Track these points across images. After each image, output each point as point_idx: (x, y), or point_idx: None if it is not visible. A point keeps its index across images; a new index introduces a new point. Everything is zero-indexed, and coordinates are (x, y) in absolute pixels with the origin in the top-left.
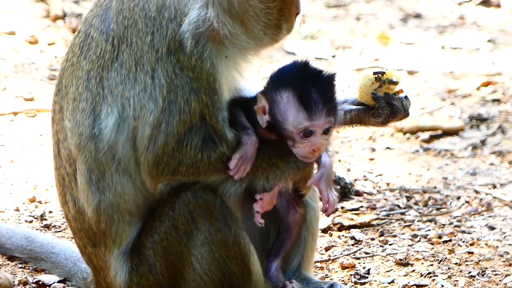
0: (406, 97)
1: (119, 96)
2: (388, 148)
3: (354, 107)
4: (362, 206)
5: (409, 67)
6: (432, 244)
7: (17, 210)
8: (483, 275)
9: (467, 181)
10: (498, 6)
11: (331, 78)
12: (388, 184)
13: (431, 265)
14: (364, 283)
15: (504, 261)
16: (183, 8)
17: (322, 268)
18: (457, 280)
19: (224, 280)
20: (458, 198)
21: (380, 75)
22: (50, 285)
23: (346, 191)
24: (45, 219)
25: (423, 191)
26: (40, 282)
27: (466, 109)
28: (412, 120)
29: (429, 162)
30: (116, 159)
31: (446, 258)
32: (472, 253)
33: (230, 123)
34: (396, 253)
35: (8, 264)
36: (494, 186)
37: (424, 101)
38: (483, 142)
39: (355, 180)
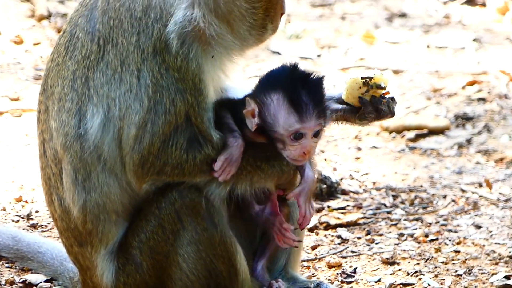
0: (392, 98)
1: (105, 96)
2: (374, 147)
3: (340, 106)
4: (348, 205)
5: (394, 66)
6: (419, 243)
7: (4, 209)
8: (469, 274)
9: (453, 180)
10: (483, 5)
11: (320, 80)
12: (374, 183)
13: (418, 264)
14: (350, 282)
15: (490, 260)
16: (169, 8)
17: (308, 267)
18: (444, 279)
19: (211, 279)
20: (445, 197)
21: (368, 79)
22: (37, 284)
23: (332, 190)
24: (32, 219)
25: (409, 190)
26: (27, 282)
27: (452, 108)
28: (398, 119)
29: (415, 161)
30: (102, 159)
31: (432, 257)
32: (458, 252)
33: (216, 125)
34: (382, 252)
35: None
36: (480, 185)
37: (410, 100)
38: (469, 141)
39: (341, 179)
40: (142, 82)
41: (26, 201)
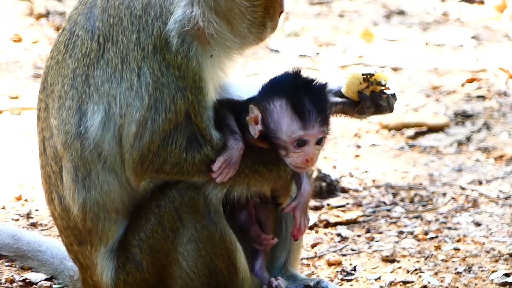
0: (393, 94)
1: (105, 94)
2: (373, 145)
3: (340, 99)
4: (348, 203)
5: (393, 64)
6: (419, 240)
7: (3, 208)
8: (469, 272)
9: (453, 177)
10: (482, 2)
11: (322, 87)
12: (374, 180)
13: (418, 261)
14: (350, 280)
15: (490, 257)
16: (169, 6)
17: (308, 265)
18: (444, 277)
19: (211, 277)
20: (444, 194)
21: (368, 76)
22: (37, 283)
23: (332, 188)
24: (32, 217)
25: (409, 187)
26: (27, 280)
27: (451, 106)
28: (397, 117)
29: (414, 158)
30: (102, 157)
31: (432, 254)
32: (458, 249)
33: (218, 126)
34: (382, 250)
35: None
36: (480, 183)
37: (409, 98)
38: (468, 139)
39: (341, 177)
40: (142, 79)
41: (26, 200)
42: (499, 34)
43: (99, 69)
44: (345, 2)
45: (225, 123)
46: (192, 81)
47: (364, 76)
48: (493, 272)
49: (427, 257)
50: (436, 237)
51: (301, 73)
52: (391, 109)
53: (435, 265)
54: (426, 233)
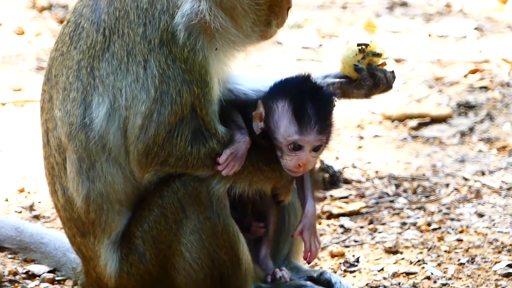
0: (392, 71)
1: (111, 86)
2: (376, 135)
3: (337, 79)
4: (351, 194)
5: (396, 55)
6: (421, 231)
7: (6, 200)
8: (472, 263)
9: (456, 168)
10: None
11: (329, 96)
12: (376, 172)
13: (421, 252)
14: (353, 271)
15: (493, 248)
16: (176, 0)
17: None
18: (447, 268)
19: (214, 268)
20: (447, 185)
21: (363, 46)
22: (40, 275)
23: (334, 179)
24: (34, 210)
25: (412, 178)
26: (30, 273)
27: (454, 97)
28: (400, 108)
29: (417, 149)
30: (107, 148)
31: (435, 245)
32: (461, 240)
33: (224, 122)
34: (385, 241)
35: None
36: (483, 173)
37: (412, 89)
38: (471, 129)
39: (344, 168)
40: (148, 72)
41: (28, 192)
42: (502, 25)
43: (105, 61)
44: None
45: (232, 119)
46: (198, 75)
47: (360, 47)
48: (496, 263)
49: (430, 248)
50: (439, 228)
51: (312, 78)
52: (389, 84)
53: (438, 256)
54: (429, 224)
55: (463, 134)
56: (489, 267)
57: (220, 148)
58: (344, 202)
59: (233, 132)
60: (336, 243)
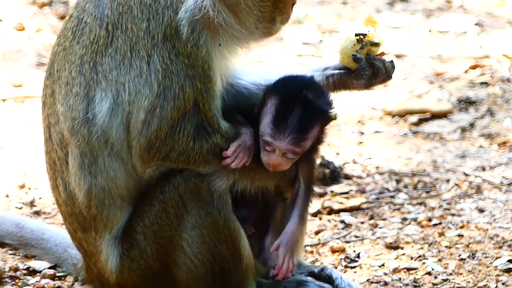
0: (391, 61)
1: (114, 81)
2: (377, 131)
3: (336, 71)
4: (351, 190)
5: (396, 51)
6: (422, 227)
7: (7, 196)
8: (473, 258)
9: (456, 163)
10: None
11: (318, 112)
12: (377, 167)
13: (421, 248)
14: (354, 267)
15: (494, 244)
16: None
17: (312, 252)
18: (448, 263)
19: (215, 264)
20: (448, 181)
21: (361, 36)
22: (41, 271)
23: (335, 175)
24: (35, 206)
25: (412, 174)
26: (31, 269)
27: (455, 92)
28: (400, 103)
29: (418, 145)
30: (109, 143)
31: (436, 241)
32: (462, 236)
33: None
34: (386, 237)
35: None
36: (484, 169)
37: (412, 85)
38: (471, 125)
39: (344, 163)
40: (152, 67)
41: (29, 188)
42: (502, 20)
43: (108, 56)
44: None
45: (234, 119)
46: (201, 70)
47: (358, 37)
48: (496, 258)
49: (431, 243)
50: (440, 223)
51: (313, 87)
52: (388, 74)
53: (439, 251)
54: (429, 220)
55: (463, 129)
56: (490, 263)
57: (224, 143)
58: (345, 197)
59: (238, 127)
60: (336, 239)
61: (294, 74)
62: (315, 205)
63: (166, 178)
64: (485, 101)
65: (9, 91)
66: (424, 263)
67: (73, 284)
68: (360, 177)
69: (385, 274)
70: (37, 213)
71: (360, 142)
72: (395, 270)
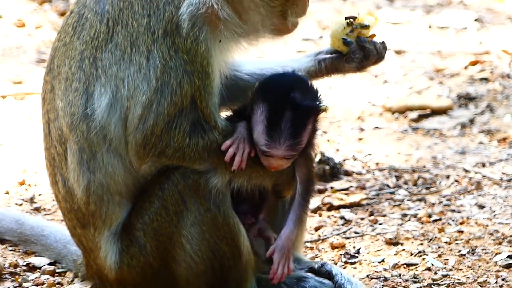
0: (382, 42)
1: (113, 77)
2: (376, 127)
3: (329, 55)
4: (351, 186)
5: (396, 46)
6: (422, 223)
7: (7, 193)
8: (473, 254)
9: (456, 160)
10: None
11: (310, 111)
12: (377, 163)
13: (421, 244)
14: (354, 263)
15: (494, 240)
16: None
17: (312, 248)
18: (447, 259)
19: (215, 260)
20: (448, 177)
21: (351, 19)
22: (41, 267)
23: (335, 171)
24: (35, 202)
25: (412, 170)
26: (31, 265)
27: (454, 88)
28: (400, 100)
29: (418, 141)
30: (108, 139)
31: (436, 237)
32: (462, 232)
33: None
34: (386, 233)
35: None
36: (484, 165)
37: (412, 81)
38: (471, 121)
39: (344, 160)
40: (151, 63)
41: (29, 185)
42: (502, 16)
43: (108, 51)
44: None
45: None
46: (199, 66)
47: (348, 21)
48: (496, 254)
49: (431, 239)
50: (440, 219)
51: (298, 83)
52: (380, 55)
53: (439, 247)
54: (429, 216)
55: (463, 125)
56: (490, 258)
57: (220, 140)
58: (345, 194)
59: (233, 123)
60: (336, 235)
61: (278, 74)
62: (315, 201)
63: (165, 175)
64: (485, 97)
65: (9, 87)
66: (424, 259)
67: (72, 280)
68: (360, 174)
69: (385, 270)
70: (37, 209)
71: (360, 139)
72: (395, 266)
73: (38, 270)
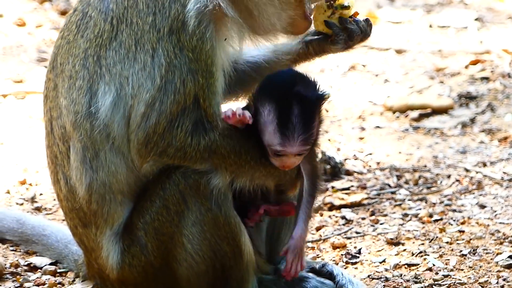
0: (366, 19)
1: (117, 75)
2: (377, 127)
3: (315, 37)
4: (352, 186)
5: (397, 46)
6: (423, 223)
7: (8, 192)
8: (474, 254)
9: (457, 159)
10: None
11: (316, 101)
12: (378, 163)
13: (422, 244)
14: (355, 263)
15: (495, 240)
16: None
17: (313, 248)
18: (449, 259)
19: (216, 260)
20: (449, 176)
21: (331, 1)
22: (42, 267)
23: (336, 171)
24: (36, 202)
25: (413, 169)
26: (32, 265)
27: (455, 88)
28: (401, 99)
29: (419, 140)
30: (111, 137)
31: (437, 237)
32: (463, 231)
33: None
34: (387, 233)
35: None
36: (484, 164)
37: (413, 80)
38: (472, 120)
39: (345, 159)
40: (156, 61)
41: (30, 184)
42: (503, 15)
43: (112, 50)
44: None
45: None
46: (204, 64)
47: (328, 3)
48: (497, 254)
49: (432, 239)
50: (441, 219)
51: (298, 77)
52: (364, 33)
53: (440, 247)
54: (430, 216)
55: (464, 125)
56: (491, 259)
57: (222, 141)
58: (346, 193)
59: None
60: (337, 235)
61: (275, 73)
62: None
63: (166, 174)
64: (486, 96)
65: (10, 86)
66: (425, 259)
67: (74, 280)
68: (361, 173)
69: (386, 270)
70: (38, 209)
71: (361, 138)
72: (396, 266)
73: (39, 270)
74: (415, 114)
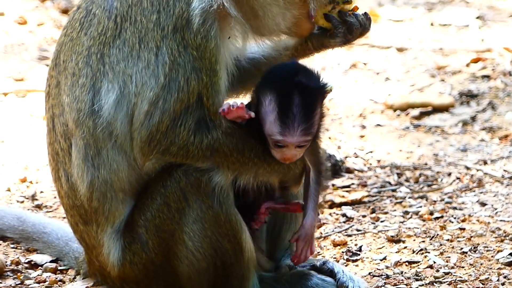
0: (365, 13)
1: (121, 73)
2: (378, 125)
3: (314, 32)
4: (353, 183)
5: (398, 44)
6: (424, 220)
7: (8, 190)
8: (475, 251)
9: (458, 157)
10: None
11: (318, 91)
12: (379, 161)
13: (423, 241)
14: (356, 260)
15: (496, 237)
16: None
17: None
18: (449, 257)
19: (217, 257)
20: (449, 174)
21: None
22: (42, 265)
23: (337, 169)
24: (37, 199)
25: (414, 167)
26: (32, 262)
27: (456, 86)
28: (402, 97)
29: (419, 138)
30: (114, 135)
31: (437, 234)
32: (463, 229)
33: None
34: (387, 230)
35: (0, 244)
36: (485, 162)
37: (414, 78)
38: (473, 118)
39: (346, 157)
40: (160, 59)
41: (30, 182)
42: (504, 14)
43: (115, 48)
44: None
45: None
46: (208, 62)
47: None
48: (498, 251)
49: (433, 237)
50: (442, 217)
51: (302, 69)
52: (364, 27)
53: (441, 245)
54: (431, 213)
55: (465, 123)
56: (492, 256)
57: (224, 139)
58: (346, 191)
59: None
60: (338, 232)
61: (278, 64)
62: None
63: (168, 172)
64: (487, 94)
65: (11, 85)
66: (426, 256)
67: (74, 278)
68: (361, 171)
69: (387, 267)
70: (39, 206)
71: (362, 136)
72: (397, 264)
73: (40, 267)
74: (416, 112)
